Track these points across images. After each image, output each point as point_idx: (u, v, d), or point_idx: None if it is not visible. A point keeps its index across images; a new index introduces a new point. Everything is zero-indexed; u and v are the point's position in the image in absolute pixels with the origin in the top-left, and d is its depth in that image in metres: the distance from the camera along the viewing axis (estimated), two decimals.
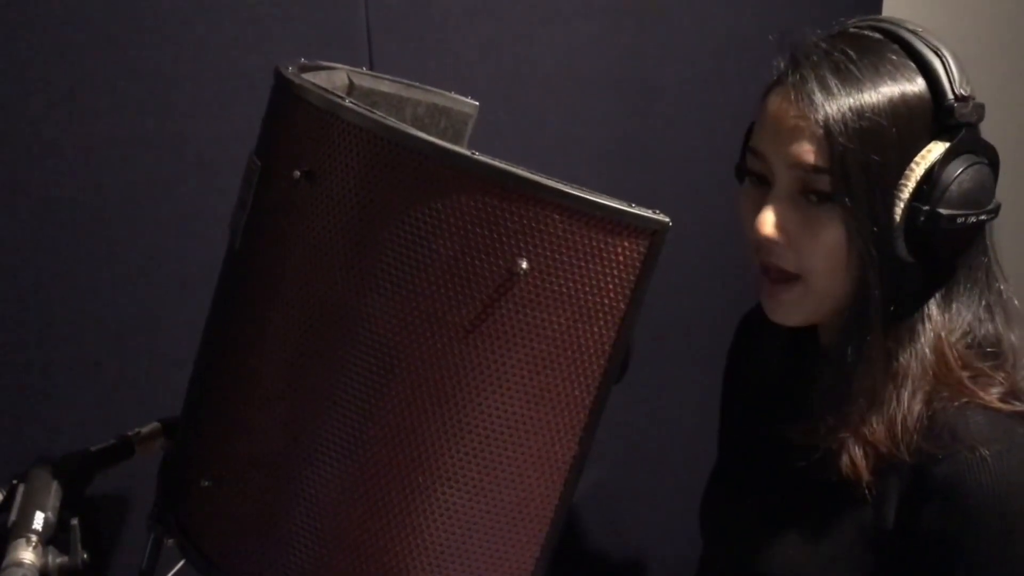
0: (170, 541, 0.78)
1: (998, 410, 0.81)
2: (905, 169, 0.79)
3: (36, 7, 1.04)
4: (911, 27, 0.83)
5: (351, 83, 0.87)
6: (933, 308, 0.84)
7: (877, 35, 0.84)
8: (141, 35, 1.09)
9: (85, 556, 0.76)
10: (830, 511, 0.87)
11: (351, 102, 0.65)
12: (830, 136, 0.78)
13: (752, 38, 1.41)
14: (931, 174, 0.78)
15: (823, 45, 0.83)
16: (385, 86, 0.90)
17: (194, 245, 1.15)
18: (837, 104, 0.79)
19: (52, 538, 0.75)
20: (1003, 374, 0.84)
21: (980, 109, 0.81)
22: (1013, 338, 0.86)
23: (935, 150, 0.79)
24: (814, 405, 0.88)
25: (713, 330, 1.47)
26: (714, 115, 1.44)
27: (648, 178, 1.43)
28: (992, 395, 0.82)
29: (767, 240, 0.83)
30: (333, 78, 0.85)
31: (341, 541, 0.69)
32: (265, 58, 1.12)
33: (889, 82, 0.80)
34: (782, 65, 0.85)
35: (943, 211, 0.78)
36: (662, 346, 1.50)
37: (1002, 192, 0.84)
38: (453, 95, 0.95)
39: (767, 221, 0.83)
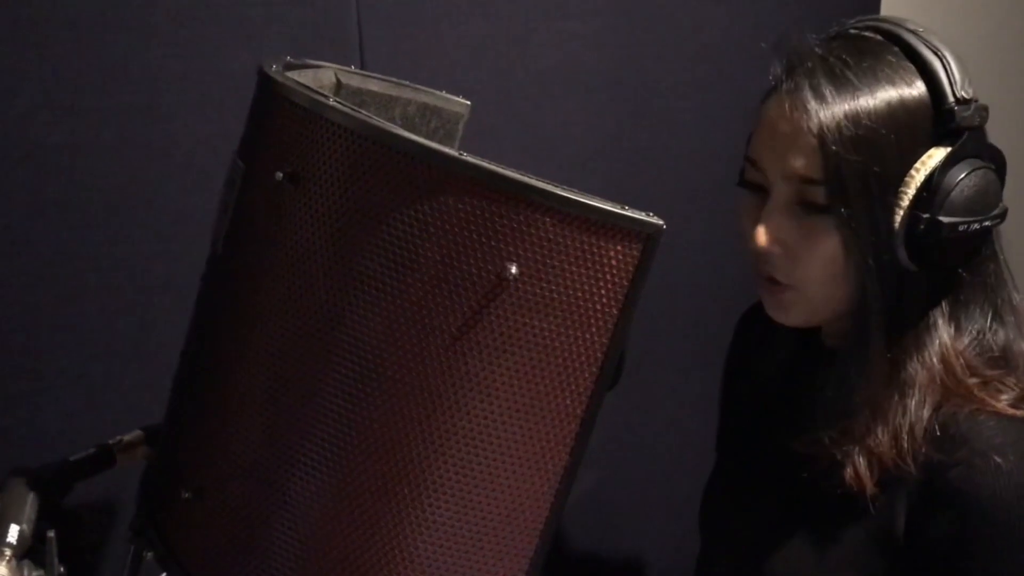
0: (150, 554, 0.76)
1: (1010, 416, 0.79)
2: (905, 176, 0.77)
3: (20, 8, 1.02)
4: (911, 27, 0.81)
5: (339, 82, 0.85)
6: (939, 317, 0.82)
7: (876, 36, 0.82)
8: (128, 35, 1.07)
9: (62, 570, 0.75)
10: (836, 519, 0.86)
11: (336, 101, 0.63)
12: (824, 146, 0.76)
13: (748, 39, 1.39)
14: (931, 181, 0.76)
15: (819, 50, 0.81)
16: (374, 85, 0.88)
17: (181, 249, 1.13)
18: (832, 112, 0.76)
19: (28, 551, 0.73)
20: (1013, 380, 0.82)
21: (983, 112, 0.78)
22: None
23: (936, 156, 0.77)
24: (817, 416, 0.86)
25: (709, 334, 1.45)
26: (710, 117, 1.42)
27: (643, 180, 1.42)
28: (1003, 401, 0.80)
29: (764, 251, 0.82)
30: (320, 77, 0.83)
31: (325, 554, 0.67)
32: (255, 58, 1.10)
33: (887, 86, 0.77)
34: (778, 71, 0.82)
35: (944, 219, 0.76)
36: (657, 350, 1.49)
37: (1009, 196, 0.81)
38: (444, 94, 0.93)
39: (763, 233, 0.81)
